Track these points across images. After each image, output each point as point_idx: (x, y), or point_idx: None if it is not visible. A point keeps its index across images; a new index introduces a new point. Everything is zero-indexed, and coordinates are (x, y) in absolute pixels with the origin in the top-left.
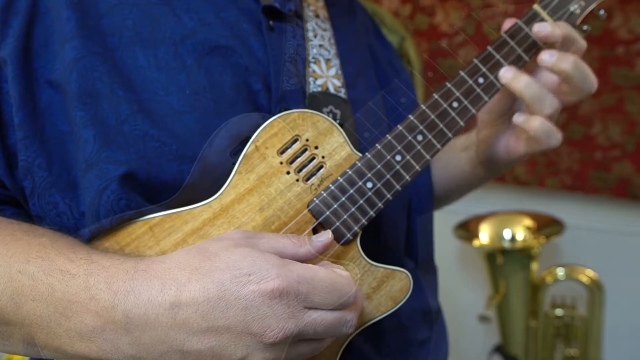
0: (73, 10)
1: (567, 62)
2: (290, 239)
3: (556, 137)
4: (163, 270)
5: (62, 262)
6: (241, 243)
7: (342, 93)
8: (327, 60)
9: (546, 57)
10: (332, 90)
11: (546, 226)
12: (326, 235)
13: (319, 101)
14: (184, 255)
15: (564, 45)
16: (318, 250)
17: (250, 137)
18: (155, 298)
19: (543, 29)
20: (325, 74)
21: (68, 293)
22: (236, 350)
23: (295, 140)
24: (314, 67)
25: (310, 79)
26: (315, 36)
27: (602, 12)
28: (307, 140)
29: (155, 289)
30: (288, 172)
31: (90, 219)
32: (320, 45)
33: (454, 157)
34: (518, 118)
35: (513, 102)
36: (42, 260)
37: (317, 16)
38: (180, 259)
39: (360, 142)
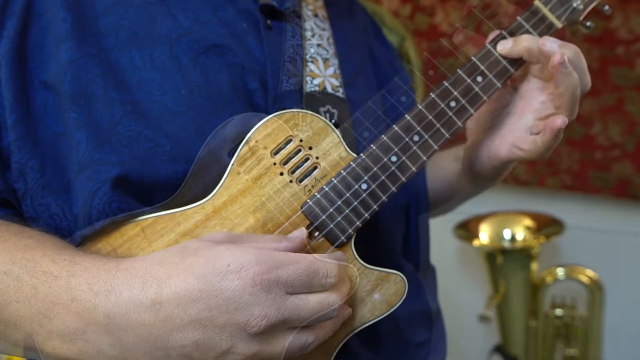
0: (69, 11)
1: (570, 49)
2: (269, 238)
3: (550, 151)
4: (143, 268)
5: (46, 263)
6: (221, 242)
7: (340, 92)
8: (325, 60)
9: (550, 43)
10: (329, 89)
11: (546, 226)
12: (300, 232)
13: (317, 100)
14: (164, 253)
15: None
16: (296, 244)
17: (250, 138)
18: (137, 296)
19: (505, 45)
20: (323, 73)
21: (51, 295)
22: (221, 342)
23: (290, 141)
24: (311, 66)
25: (308, 79)
26: (313, 35)
27: (606, 7)
28: (301, 140)
29: (136, 288)
30: (281, 173)
31: (82, 221)
32: (319, 45)
33: (446, 167)
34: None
35: (503, 109)
36: (27, 262)
37: (315, 15)
38: (161, 257)
39: (359, 142)
